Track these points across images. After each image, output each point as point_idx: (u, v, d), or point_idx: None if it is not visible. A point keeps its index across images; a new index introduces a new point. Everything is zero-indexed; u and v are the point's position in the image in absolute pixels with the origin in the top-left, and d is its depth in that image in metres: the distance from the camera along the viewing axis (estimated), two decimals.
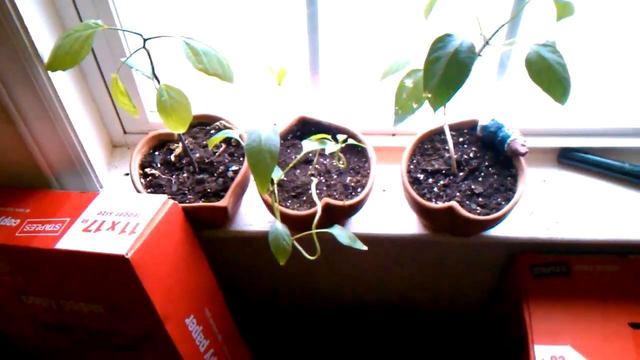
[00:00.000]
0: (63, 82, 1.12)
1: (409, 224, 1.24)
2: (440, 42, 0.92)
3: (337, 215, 1.15)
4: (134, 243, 1.03)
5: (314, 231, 1.05)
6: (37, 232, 1.11)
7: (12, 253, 1.11)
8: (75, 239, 1.08)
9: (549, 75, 0.94)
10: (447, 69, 0.91)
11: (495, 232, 1.21)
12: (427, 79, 0.92)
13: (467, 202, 1.15)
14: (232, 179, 1.17)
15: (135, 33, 1.01)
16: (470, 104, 1.30)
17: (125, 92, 1.05)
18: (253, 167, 0.95)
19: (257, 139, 0.96)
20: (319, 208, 1.08)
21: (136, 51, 1.03)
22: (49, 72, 1.03)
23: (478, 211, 1.13)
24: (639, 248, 1.26)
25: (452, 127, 1.23)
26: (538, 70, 0.94)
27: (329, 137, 1.11)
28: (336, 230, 1.06)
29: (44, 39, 1.05)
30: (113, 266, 1.04)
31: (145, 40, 1.01)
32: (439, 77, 0.91)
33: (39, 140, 1.15)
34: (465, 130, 1.24)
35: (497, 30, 0.99)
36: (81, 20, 1.11)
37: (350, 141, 1.13)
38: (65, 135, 1.15)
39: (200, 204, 1.13)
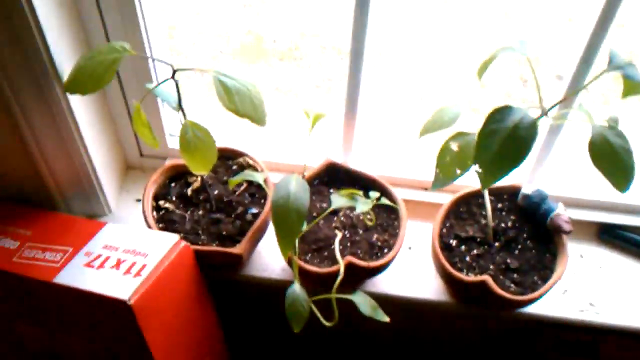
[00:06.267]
0: (80, 100, 1.04)
1: (434, 289, 1.15)
2: (499, 114, 0.83)
3: (359, 274, 1.06)
4: (138, 287, 0.95)
5: (333, 295, 0.97)
6: (36, 260, 1.03)
7: (7, 279, 1.03)
8: (76, 273, 1.00)
9: (613, 161, 0.85)
10: (504, 146, 0.82)
11: (524, 308, 1.12)
12: (480, 153, 0.83)
13: (501, 277, 1.06)
14: (251, 223, 1.08)
15: (164, 62, 0.93)
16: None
17: (147, 123, 0.97)
18: (278, 226, 0.87)
19: (285, 195, 0.87)
20: (341, 268, 1.00)
21: (164, 81, 0.94)
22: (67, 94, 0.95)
23: (512, 289, 1.05)
24: None
25: (492, 192, 1.14)
26: (601, 155, 0.85)
27: (359, 192, 1.03)
28: (358, 298, 0.98)
29: (65, 56, 0.97)
30: (113, 310, 0.95)
31: (175, 71, 0.92)
32: (494, 153, 0.82)
33: (48, 159, 1.07)
34: (505, 196, 1.15)
35: (557, 104, 0.91)
36: (108, 41, 1.03)
37: (383, 200, 1.04)
38: (76, 156, 1.07)
39: (214, 248, 1.04)
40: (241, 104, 0.92)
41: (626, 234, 1.23)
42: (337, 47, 2.51)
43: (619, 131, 0.87)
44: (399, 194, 1.16)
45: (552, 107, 0.91)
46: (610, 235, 1.24)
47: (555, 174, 1.23)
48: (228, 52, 2.46)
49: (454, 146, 0.97)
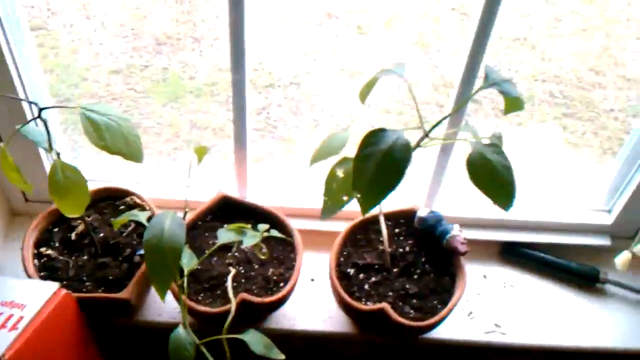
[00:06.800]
0: None
1: (337, 321, 1.12)
2: (373, 137, 0.81)
3: (256, 311, 1.02)
4: (13, 342, 0.89)
5: (224, 336, 0.92)
6: None
7: None
8: None
9: (492, 178, 0.84)
10: (379, 169, 0.80)
11: (430, 334, 1.10)
12: (356, 178, 0.81)
13: (400, 303, 1.03)
14: (139, 264, 1.03)
15: (27, 102, 0.88)
16: (409, 189, 1.19)
17: (15, 166, 0.91)
18: (151, 267, 0.82)
19: (158, 234, 0.83)
20: (233, 306, 0.95)
21: (30, 121, 0.90)
22: None
23: (412, 315, 1.02)
24: (583, 356, 1.16)
25: (388, 216, 1.13)
26: (479, 173, 0.84)
27: (249, 225, 1.00)
28: (249, 336, 0.93)
29: None
30: None
31: (40, 109, 0.88)
32: (370, 178, 0.80)
33: None
34: (402, 220, 1.14)
35: (438, 124, 0.90)
36: None
37: (273, 232, 1.01)
38: None
39: (98, 294, 0.99)
40: (112, 140, 0.87)
41: (527, 251, 1.23)
42: (253, 81, 2.50)
43: (497, 148, 0.86)
44: (302, 224, 1.14)
45: (433, 128, 0.90)
46: (512, 254, 1.24)
47: (455, 195, 1.22)
48: (142, 89, 2.41)
49: (340, 172, 0.95)
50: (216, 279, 1.04)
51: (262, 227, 1.00)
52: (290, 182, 1.26)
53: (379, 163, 0.80)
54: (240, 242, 1.02)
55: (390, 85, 2.44)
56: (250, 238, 0.97)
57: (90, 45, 2.58)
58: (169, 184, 1.22)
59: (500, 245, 1.25)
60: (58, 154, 0.93)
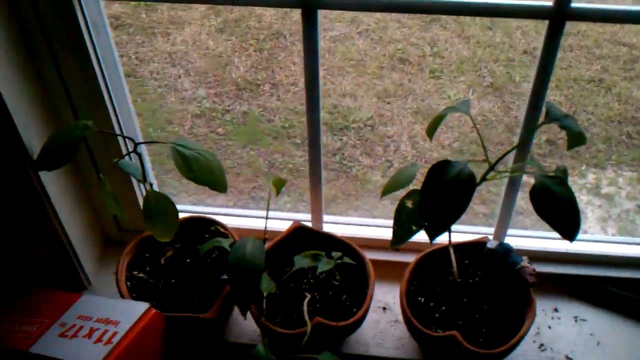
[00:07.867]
0: (54, 178, 1.09)
1: (409, 348, 1.16)
2: (439, 169, 0.86)
3: (330, 335, 1.08)
4: (107, 355, 0.98)
5: (300, 355, 0.98)
6: (13, 332, 1.06)
7: None
8: (50, 343, 1.02)
9: (556, 209, 0.88)
10: (445, 198, 0.85)
11: None
12: (423, 207, 0.86)
13: (470, 332, 1.07)
14: (222, 288, 1.11)
15: (125, 137, 0.98)
16: (479, 219, 1.23)
17: (113, 196, 1.01)
18: (234, 286, 0.89)
19: (240, 256, 0.90)
20: (308, 328, 1.01)
21: (127, 154, 1.00)
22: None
23: (481, 342, 1.05)
24: None
25: (458, 247, 1.16)
26: (544, 204, 0.88)
27: (323, 253, 1.06)
28: (324, 356, 0.99)
29: (35, 135, 1.03)
30: None
31: (136, 144, 0.98)
32: (436, 206, 0.85)
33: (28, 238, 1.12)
34: (471, 251, 1.17)
35: (502, 157, 0.95)
36: (77, 119, 1.09)
37: (346, 259, 1.07)
38: (51, 232, 1.12)
39: (185, 314, 1.07)
40: (199, 171, 0.96)
41: (599, 286, 1.23)
42: (329, 124, 2.59)
43: (561, 180, 0.90)
44: (373, 256, 1.19)
45: (497, 161, 0.95)
46: (584, 288, 1.24)
47: (523, 226, 1.25)
48: (224, 132, 2.54)
49: (409, 204, 1.00)
50: (294, 303, 1.10)
51: (336, 254, 1.07)
52: (363, 216, 1.32)
53: (445, 192, 0.85)
54: (315, 269, 1.08)
55: (465, 127, 2.48)
56: (325, 264, 1.03)
57: (175, 91, 2.74)
58: (250, 216, 1.30)
59: (573, 279, 1.25)
60: (151, 185, 1.03)
